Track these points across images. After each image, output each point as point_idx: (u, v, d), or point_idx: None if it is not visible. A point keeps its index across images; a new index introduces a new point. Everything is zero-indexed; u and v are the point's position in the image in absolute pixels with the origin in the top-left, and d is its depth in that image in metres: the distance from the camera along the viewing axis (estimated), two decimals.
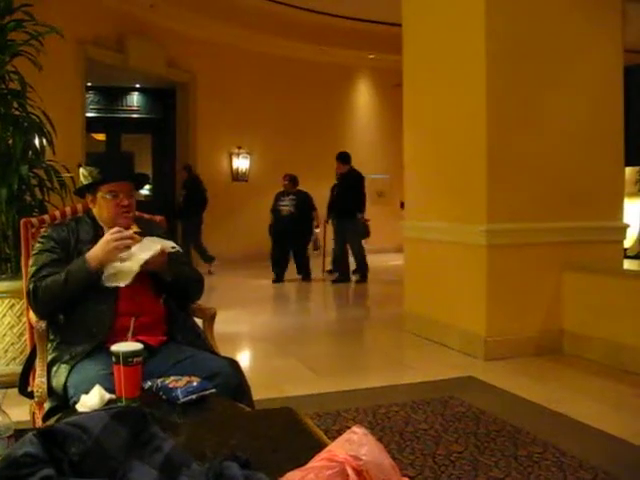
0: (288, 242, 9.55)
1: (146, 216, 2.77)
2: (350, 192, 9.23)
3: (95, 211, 2.51)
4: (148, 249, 2.31)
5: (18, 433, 1.28)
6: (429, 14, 5.59)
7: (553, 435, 3.21)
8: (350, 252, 9.48)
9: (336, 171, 9.49)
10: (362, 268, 9.46)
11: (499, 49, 4.80)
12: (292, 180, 9.70)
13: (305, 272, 9.74)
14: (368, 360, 5.25)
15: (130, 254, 2.30)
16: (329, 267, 10.11)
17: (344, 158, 9.42)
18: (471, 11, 4.93)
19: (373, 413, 3.58)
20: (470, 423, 3.41)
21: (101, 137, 12.69)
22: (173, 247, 2.39)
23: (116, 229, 2.34)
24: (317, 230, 9.99)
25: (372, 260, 9.74)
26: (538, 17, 4.90)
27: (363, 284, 9.28)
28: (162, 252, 2.35)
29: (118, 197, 2.45)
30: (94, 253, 2.31)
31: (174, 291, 2.51)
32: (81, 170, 2.46)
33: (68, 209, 2.78)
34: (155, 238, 2.39)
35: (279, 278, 9.47)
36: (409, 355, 5.18)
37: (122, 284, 2.29)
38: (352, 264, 9.55)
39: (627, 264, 5.53)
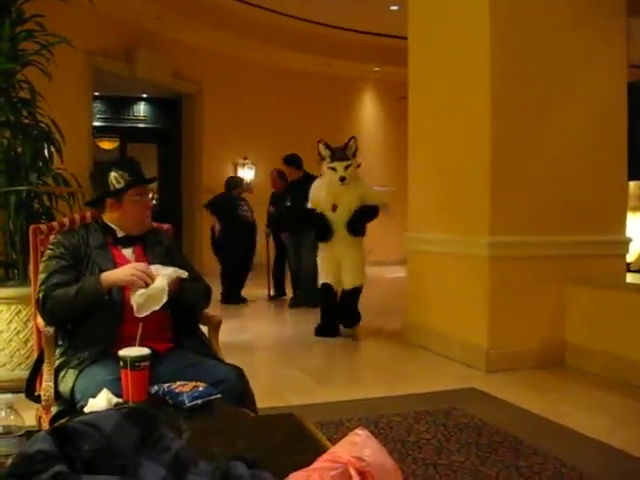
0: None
1: (154, 224, 2.80)
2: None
3: (113, 216, 2.53)
4: (163, 276, 2.33)
5: (29, 433, 1.31)
6: (435, 28, 5.65)
7: (554, 446, 3.23)
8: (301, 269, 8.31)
9: (288, 178, 8.35)
10: (311, 289, 7.78)
11: (504, 64, 4.85)
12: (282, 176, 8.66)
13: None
14: (370, 371, 5.27)
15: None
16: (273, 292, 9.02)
17: (296, 162, 8.19)
18: (476, 26, 4.99)
19: (375, 423, 3.60)
20: (472, 434, 3.43)
21: (107, 145, 12.79)
22: (182, 273, 2.42)
23: (144, 265, 2.37)
24: None
25: (376, 272, 9.71)
26: (542, 33, 4.94)
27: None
28: (177, 280, 2.39)
29: (143, 199, 2.51)
30: (111, 275, 2.33)
31: (182, 305, 2.54)
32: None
33: (77, 216, 2.81)
34: (159, 266, 2.41)
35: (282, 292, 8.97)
36: (411, 366, 5.20)
37: (158, 307, 2.29)
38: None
39: (631, 278, 5.54)
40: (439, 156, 5.56)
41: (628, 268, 7.23)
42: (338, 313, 6.29)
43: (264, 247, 9.06)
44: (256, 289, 9.04)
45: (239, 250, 8.49)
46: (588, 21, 5.10)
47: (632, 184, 9.98)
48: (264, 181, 12.35)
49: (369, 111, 14.28)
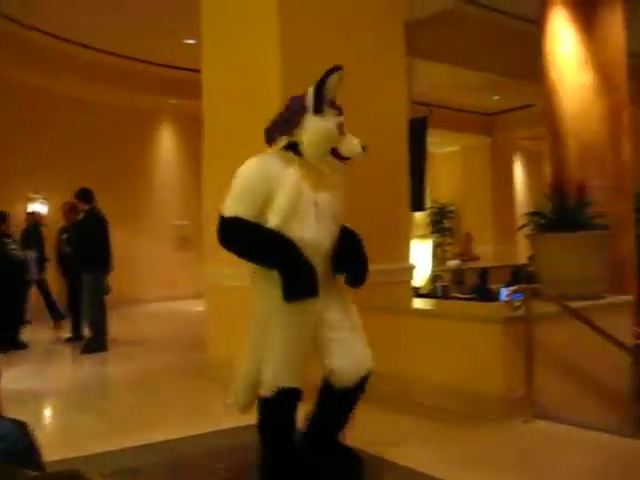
0: None
1: None
2: (91, 239, 7.61)
3: None
4: None
5: None
6: (228, 61, 5.72)
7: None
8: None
9: (79, 211, 7.93)
10: (98, 337, 7.63)
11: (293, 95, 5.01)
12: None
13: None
14: (170, 410, 5.12)
15: None
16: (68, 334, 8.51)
17: (86, 196, 7.73)
18: (267, 59, 5.16)
19: (173, 466, 3.49)
20: None
21: None
22: None
23: None
24: None
25: (175, 307, 9.54)
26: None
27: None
28: None
29: None
30: None
31: None
32: None
33: None
34: None
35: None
36: (211, 403, 5.13)
37: None
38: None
39: (418, 303, 5.93)
40: None
41: (417, 292, 7.73)
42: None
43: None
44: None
45: (6, 293, 7.85)
46: (371, 59, 5.46)
47: (418, 214, 10.75)
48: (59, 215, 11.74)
49: (167, 144, 14.11)
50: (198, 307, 10.64)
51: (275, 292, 2.91)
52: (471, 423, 4.25)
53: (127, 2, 9.43)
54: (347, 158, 3.09)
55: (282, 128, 3.07)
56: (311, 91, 3.01)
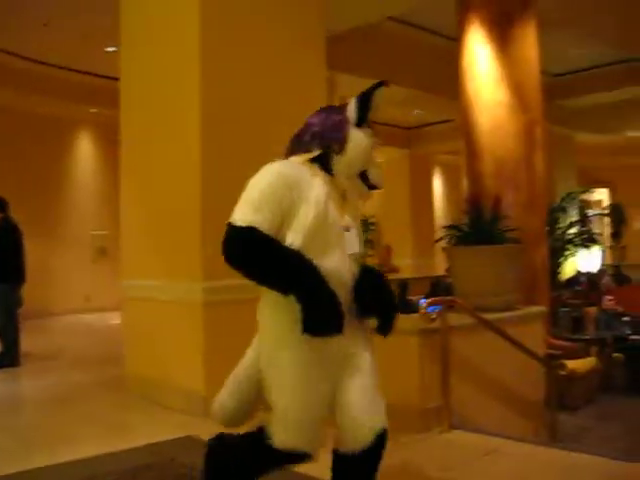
0: None
1: None
2: (3, 249, 7.30)
3: None
4: None
5: None
6: (146, 70, 5.63)
7: None
8: None
9: None
10: (10, 351, 7.28)
11: (213, 110, 4.99)
12: None
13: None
14: (86, 427, 4.95)
15: None
16: None
17: None
18: (186, 71, 5.10)
19: None
20: None
21: None
22: None
23: None
24: None
25: (95, 319, 9.28)
26: (251, 84, 5.20)
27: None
28: None
29: None
30: None
31: None
32: None
33: None
34: None
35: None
36: (130, 418, 5.01)
37: None
38: None
39: None
40: (151, 200, 5.51)
41: None
42: None
43: None
44: None
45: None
46: (291, 71, 5.47)
47: None
48: None
49: (86, 153, 13.71)
50: (115, 320, 10.39)
51: (289, 323, 2.39)
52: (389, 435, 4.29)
53: (48, 8, 9.14)
54: (373, 186, 2.65)
55: (321, 139, 2.59)
56: (355, 103, 2.61)
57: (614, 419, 7.05)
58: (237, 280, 4.86)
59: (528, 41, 7.38)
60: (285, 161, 2.62)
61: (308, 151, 2.59)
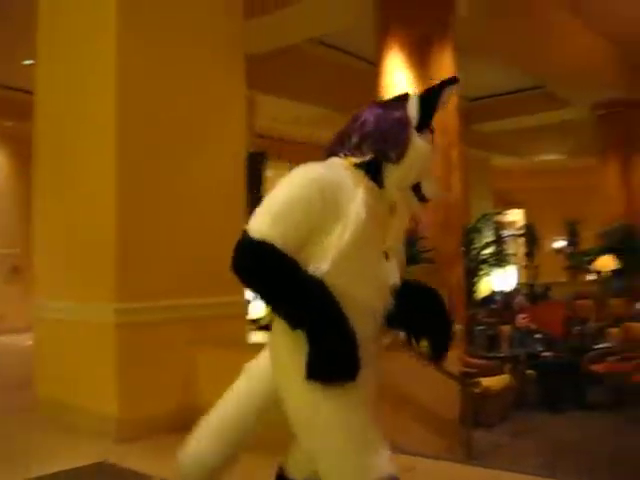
0: None
1: None
2: None
3: None
4: None
5: None
6: (61, 84, 5.49)
7: None
8: None
9: None
10: None
11: (129, 127, 4.91)
12: None
13: None
14: None
15: None
16: None
17: None
18: (102, 87, 5.02)
19: None
20: None
21: None
22: None
23: None
24: None
25: (8, 341, 8.92)
26: (169, 102, 5.15)
27: None
28: None
29: None
30: None
31: None
32: None
33: None
34: None
35: None
36: (39, 444, 4.81)
37: None
38: None
39: (260, 335, 5.95)
40: (63, 218, 5.37)
41: (259, 325, 7.74)
42: None
43: None
44: None
45: None
46: (210, 90, 5.44)
47: None
48: None
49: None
50: (29, 341, 10.01)
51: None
52: None
53: None
54: (424, 198, 2.23)
55: (375, 142, 2.12)
56: (417, 101, 2.17)
57: (528, 435, 7.24)
58: (151, 302, 4.87)
59: (445, 65, 7.60)
60: (324, 163, 2.16)
61: (355, 155, 2.15)
